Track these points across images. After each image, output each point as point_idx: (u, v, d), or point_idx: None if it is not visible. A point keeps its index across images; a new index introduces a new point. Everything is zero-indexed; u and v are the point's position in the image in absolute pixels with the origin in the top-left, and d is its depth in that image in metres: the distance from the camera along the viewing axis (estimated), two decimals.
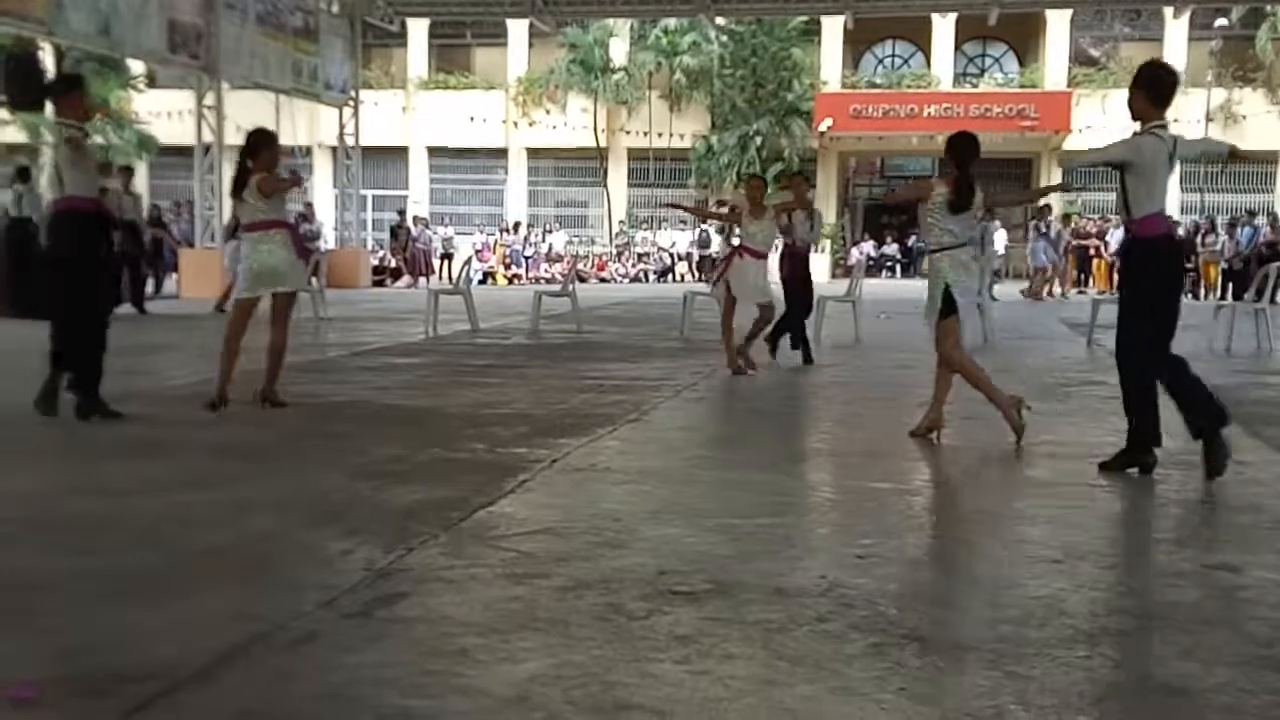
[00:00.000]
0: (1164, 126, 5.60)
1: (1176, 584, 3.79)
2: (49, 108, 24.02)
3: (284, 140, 31.74)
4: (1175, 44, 32.75)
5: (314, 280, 15.18)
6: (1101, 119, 32.13)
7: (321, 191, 34.24)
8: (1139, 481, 5.46)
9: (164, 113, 30.56)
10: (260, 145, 7.43)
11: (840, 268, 32.13)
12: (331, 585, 3.68)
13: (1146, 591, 3.70)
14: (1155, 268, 5.47)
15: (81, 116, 7.05)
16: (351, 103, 26.79)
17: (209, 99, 20.92)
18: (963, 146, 6.38)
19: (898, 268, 34.12)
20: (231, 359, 7.31)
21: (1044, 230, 24.39)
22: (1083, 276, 27.44)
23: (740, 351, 9.84)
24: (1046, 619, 3.41)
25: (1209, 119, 30.93)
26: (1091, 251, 26.99)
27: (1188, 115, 32.05)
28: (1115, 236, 25.30)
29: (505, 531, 4.41)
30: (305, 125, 32.26)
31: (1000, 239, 31.22)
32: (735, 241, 10.34)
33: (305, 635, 3.25)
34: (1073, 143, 32.50)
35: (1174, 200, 30.53)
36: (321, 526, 4.43)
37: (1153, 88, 5.66)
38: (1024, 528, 4.60)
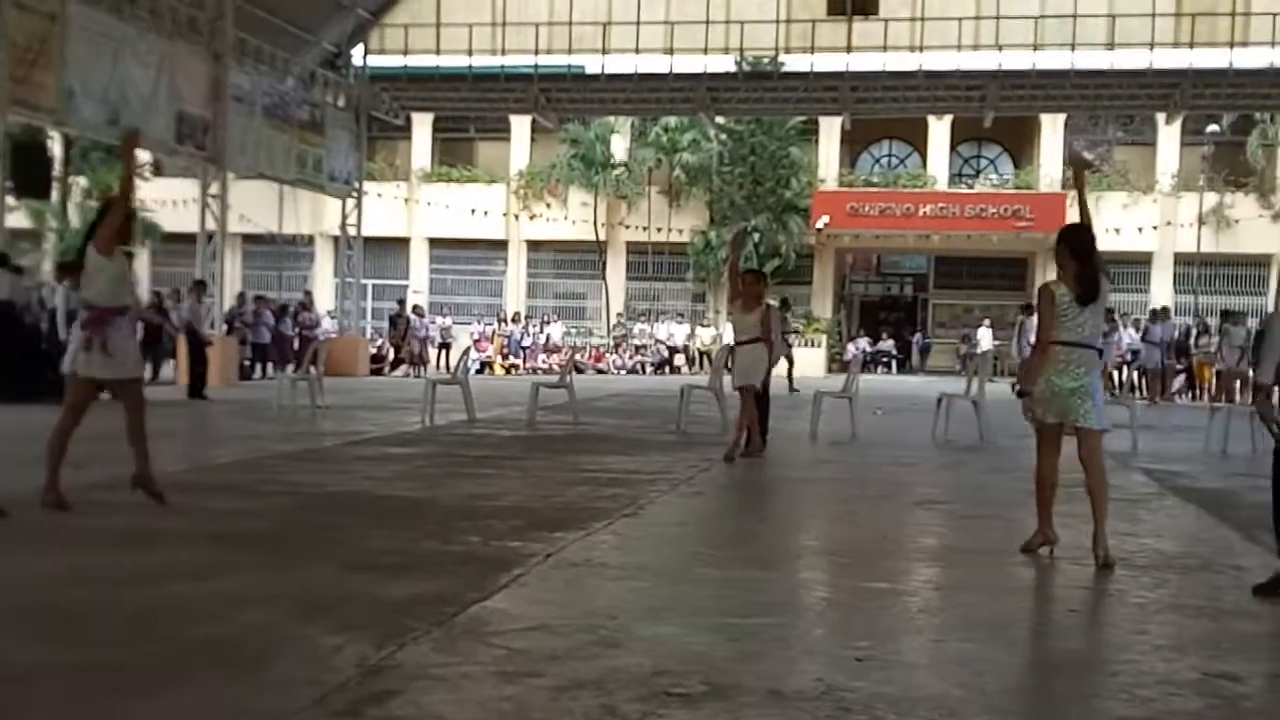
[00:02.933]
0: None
1: (1179, 693, 3.74)
2: (55, 194, 24.18)
3: (287, 228, 32.22)
4: (1168, 149, 33.32)
5: (312, 368, 15.21)
6: (1095, 220, 32.39)
7: (323, 280, 34.47)
8: (1137, 586, 5.41)
9: (169, 201, 30.89)
10: (101, 214, 6.85)
11: (836, 363, 32.25)
12: (322, 681, 3.62)
13: (1149, 700, 3.65)
14: None
15: None
16: (355, 194, 27.12)
17: (214, 188, 21.16)
18: (1084, 238, 6.09)
19: (893, 363, 34.23)
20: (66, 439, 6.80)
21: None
22: None
23: (737, 445, 10.47)
24: None
25: (1201, 222, 31.29)
26: None
27: (1180, 218, 32.53)
28: (1124, 337, 25.24)
29: (499, 628, 4.36)
30: (309, 214, 32.70)
31: (986, 337, 31.52)
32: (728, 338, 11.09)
33: None
34: None
35: (1167, 301, 30.85)
36: (314, 620, 4.38)
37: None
38: (1023, 632, 4.55)
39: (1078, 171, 9.49)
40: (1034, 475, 6.09)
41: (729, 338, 13.89)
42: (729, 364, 11.07)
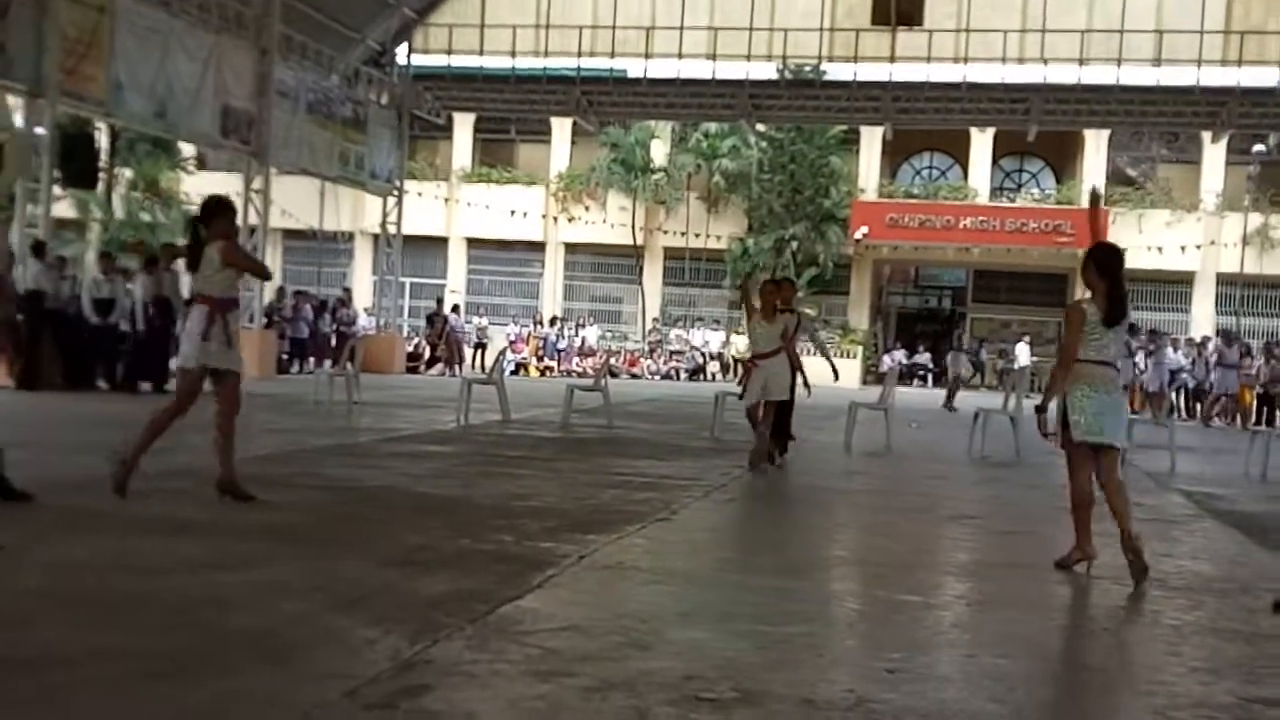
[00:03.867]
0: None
1: (1215, 716, 3.70)
2: (101, 185, 24.40)
3: (328, 224, 32.46)
4: (1213, 167, 32.98)
5: (349, 365, 15.31)
6: (1137, 238, 32.26)
7: (361, 277, 34.70)
8: (1173, 607, 5.37)
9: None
10: (215, 214, 7.06)
11: (872, 375, 32.13)
12: (356, 675, 3.65)
13: None
14: None
15: None
16: (395, 192, 27.28)
17: (257, 183, 21.34)
18: (1113, 258, 6.11)
19: (929, 376, 34.04)
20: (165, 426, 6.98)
21: None
22: None
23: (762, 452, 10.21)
24: None
25: (1245, 242, 30.97)
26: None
27: (1225, 238, 32.18)
28: (1176, 359, 24.97)
29: (531, 627, 4.38)
30: (349, 212, 32.94)
31: (1025, 352, 31.29)
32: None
33: None
34: None
35: (1208, 322, 30.53)
36: (349, 613, 4.42)
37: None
38: (1057, 649, 4.53)
39: (1093, 209, 9.42)
40: (1069, 494, 6.07)
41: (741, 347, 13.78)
42: (745, 380, 10.73)
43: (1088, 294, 6.11)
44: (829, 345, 11.69)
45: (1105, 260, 6.05)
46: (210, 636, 4.05)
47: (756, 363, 10.35)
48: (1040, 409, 6.09)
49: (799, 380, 10.70)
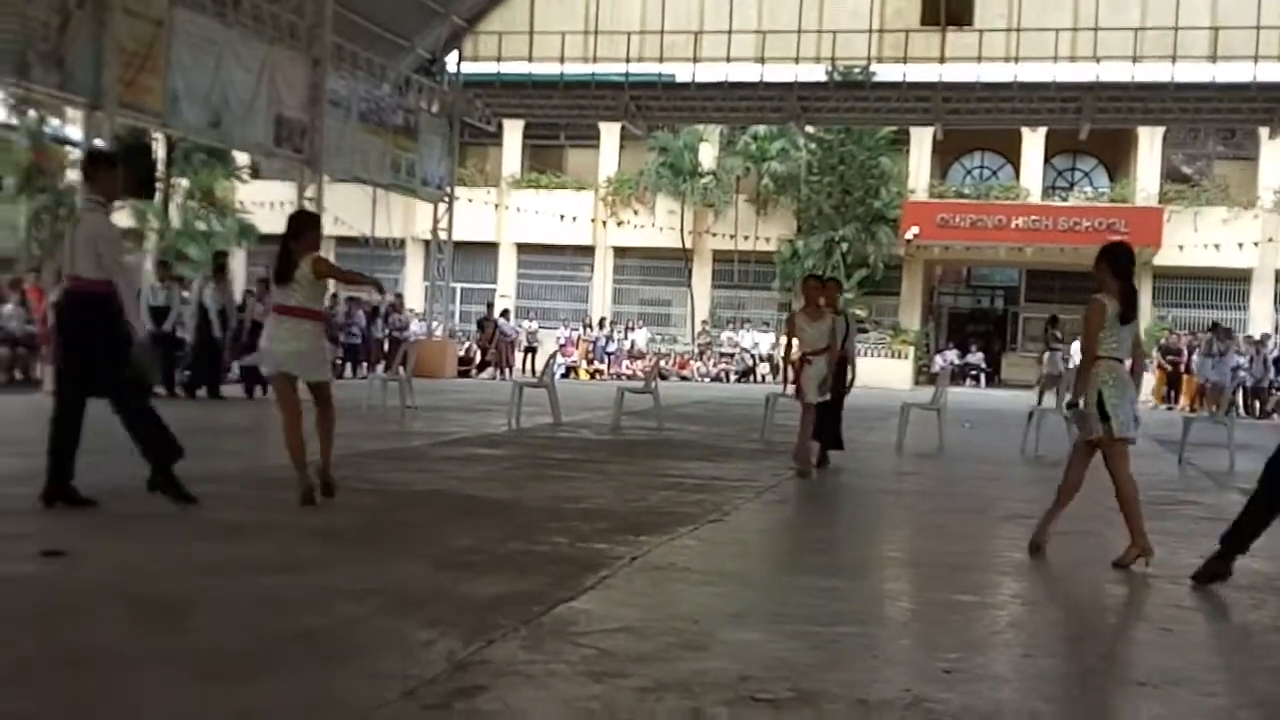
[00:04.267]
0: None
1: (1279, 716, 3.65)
2: (159, 195, 24.63)
3: (379, 231, 32.57)
4: (1271, 163, 32.41)
5: (401, 369, 15.43)
6: (1193, 236, 31.80)
7: (413, 283, 34.98)
8: (1234, 606, 5.30)
9: (266, 203, 31.57)
10: (304, 228, 7.32)
11: (924, 375, 31.90)
12: (413, 675, 3.69)
13: None
14: None
15: (111, 195, 6.98)
16: (446, 199, 27.48)
17: (310, 191, 21.58)
18: (1126, 257, 6.28)
19: (982, 377, 33.73)
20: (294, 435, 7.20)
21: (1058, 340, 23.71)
22: (1171, 393, 26.88)
23: (802, 455, 9.89)
24: None
25: None
26: (1182, 368, 26.34)
27: None
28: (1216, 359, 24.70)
29: (585, 628, 4.40)
30: (400, 218, 33.19)
31: (1077, 353, 30.85)
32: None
33: None
34: (1163, 258, 32.16)
35: (1267, 321, 30.00)
36: (405, 615, 4.46)
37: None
38: (1115, 648, 4.48)
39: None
40: (1064, 487, 6.29)
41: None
42: (796, 378, 10.08)
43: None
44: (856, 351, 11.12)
45: (1119, 260, 6.23)
46: (267, 638, 4.11)
47: (809, 359, 9.96)
48: (1073, 405, 6.23)
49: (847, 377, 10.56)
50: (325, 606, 4.54)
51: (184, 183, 31.31)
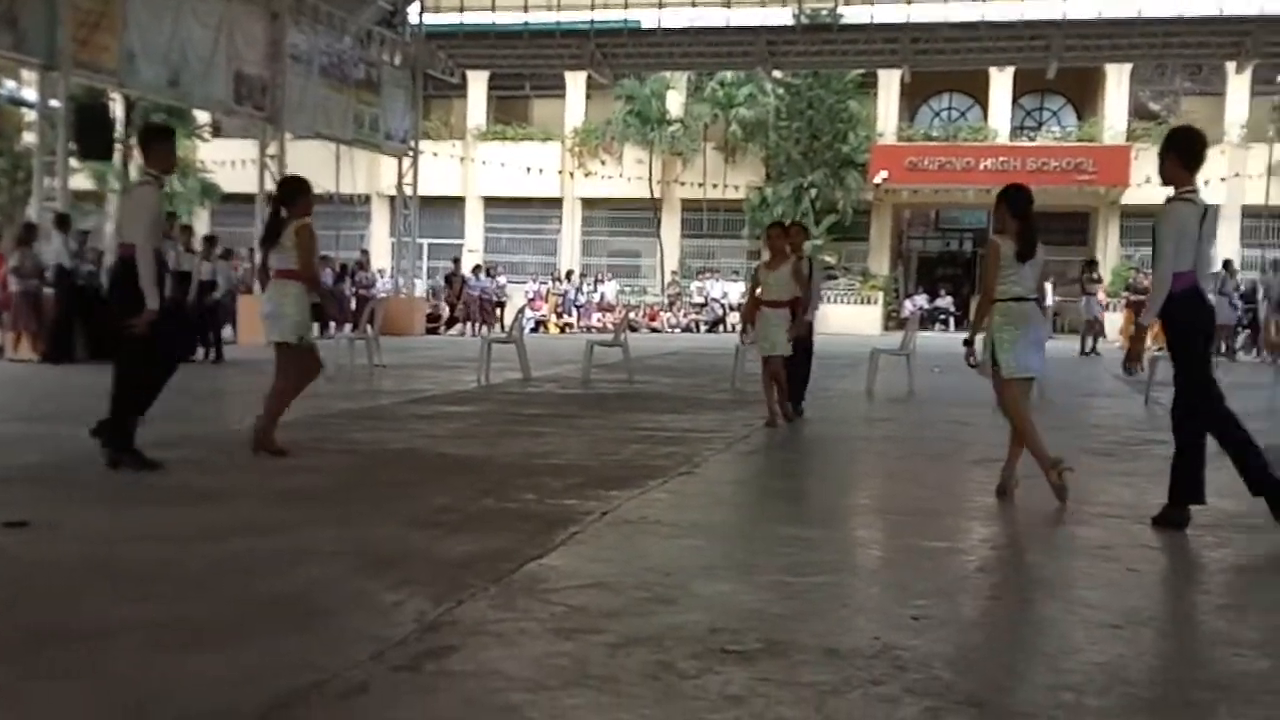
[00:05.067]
0: (1194, 191, 5.78)
1: (1243, 653, 3.69)
2: (118, 156, 24.36)
3: (344, 188, 32.28)
4: (1237, 99, 32.51)
5: (369, 328, 15.34)
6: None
7: (379, 239, 34.71)
8: (1198, 545, 5.35)
9: (227, 161, 31.19)
10: (296, 193, 7.49)
11: (894, 320, 32.00)
12: (383, 636, 3.68)
13: (1212, 660, 3.61)
14: (1178, 319, 5.65)
15: (167, 169, 7.15)
16: (411, 153, 27.21)
17: (272, 148, 21.34)
18: (1023, 198, 6.50)
19: (951, 321, 33.86)
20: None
21: (1094, 283, 23.94)
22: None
23: (774, 406, 9.78)
24: (1108, 686, 3.34)
25: (1270, 173, 30.56)
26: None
27: (1249, 169, 31.78)
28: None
29: (555, 585, 4.39)
30: (364, 174, 32.86)
31: (1049, 294, 31.01)
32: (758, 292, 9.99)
33: (357, 687, 3.26)
34: (1131, 196, 32.28)
35: (1234, 256, 30.13)
36: (374, 576, 4.44)
37: (1186, 152, 5.86)
38: (1082, 591, 4.51)
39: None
40: (1016, 426, 6.43)
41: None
42: (748, 329, 10.00)
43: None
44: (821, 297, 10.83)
45: (1015, 201, 6.47)
46: (238, 603, 4.09)
47: (764, 309, 9.76)
48: (967, 343, 6.52)
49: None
50: (293, 570, 4.52)
51: None
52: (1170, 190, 5.83)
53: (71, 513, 5.66)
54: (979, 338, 6.48)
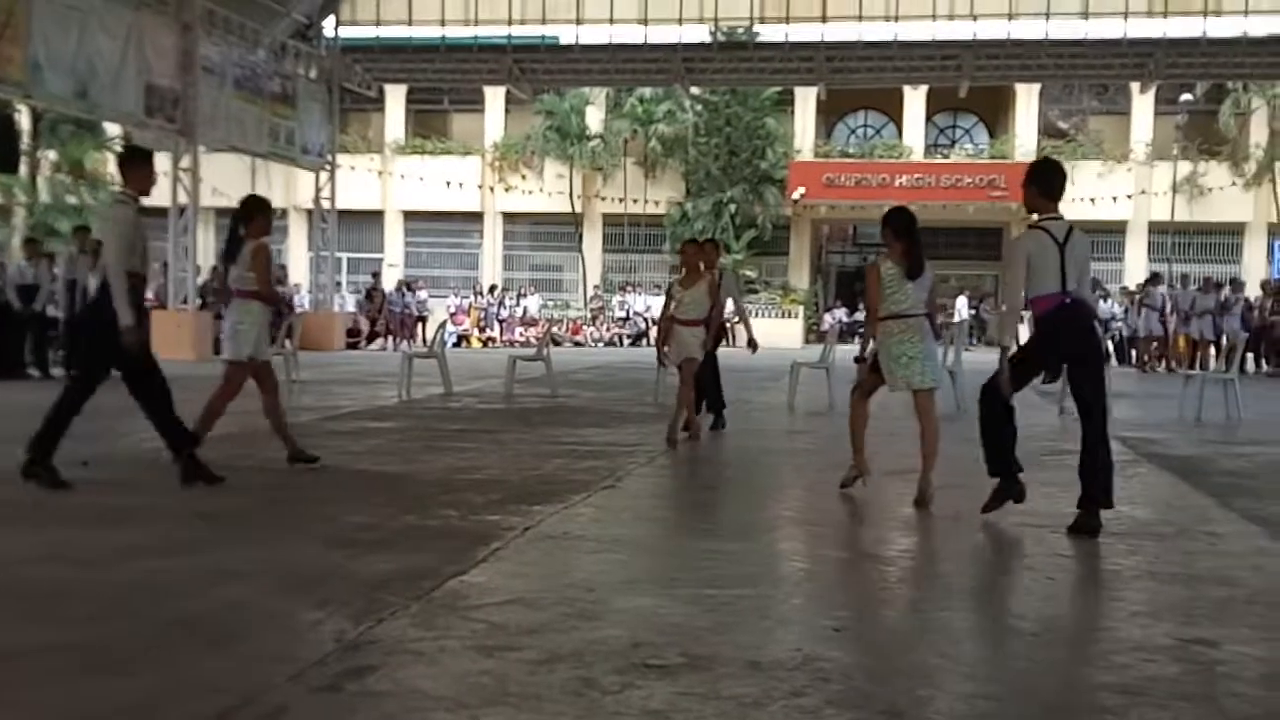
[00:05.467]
0: (1056, 217, 6.10)
1: (1154, 659, 3.77)
2: (24, 168, 23.86)
3: None
4: (1142, 117, 33.41)
5: (287, 343, 15.11)
6: (1070, 189, 32.54)
7: (297, 254, 34.26)
8: (1111, 552, 5.46)
9: None
10: (254, 212, 7.57)
11: (814, 333, 32.33)
12: (301, 658, 3.62)
13: (1125, 667, 3.68)
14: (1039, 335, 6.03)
15: (144, 190, 7.08)
16: (328, 167, 26.91)
17: (185, 161, 20.96)
18: (905, 220, 6.80)
19: None
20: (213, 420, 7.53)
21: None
22: None
23: (676, 427, 9.42)
24: (1025, 693, 3.39)
25: (1175, 191, 31.43)
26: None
27: (1155, 187, 32.65)
28: (1101, 307, 25.51)
29: (477, 602, 4.35)
30: (281, 188, 32.45)
31: (963, 307, 31.65)
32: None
33: (274, 710, 3.19)
34: None
35: (1141, 272, 30.92)
36: (292, 596, 4.37)
37: (1044, 182, 6.24)
38: (1000, 600, 4.58)
39: None
40: (849, 421, 7.07)
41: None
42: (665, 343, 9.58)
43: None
44: (749, 310, 10.73)
45: (898, 223, 6.76)
46: (150, 625, 3.99)
47: (679, 326, 9.51)
48: (858, 359, 7.10)
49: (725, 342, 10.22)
50: (209, 591, 4.43)
51: (52, 155, 30.17)
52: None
53: None
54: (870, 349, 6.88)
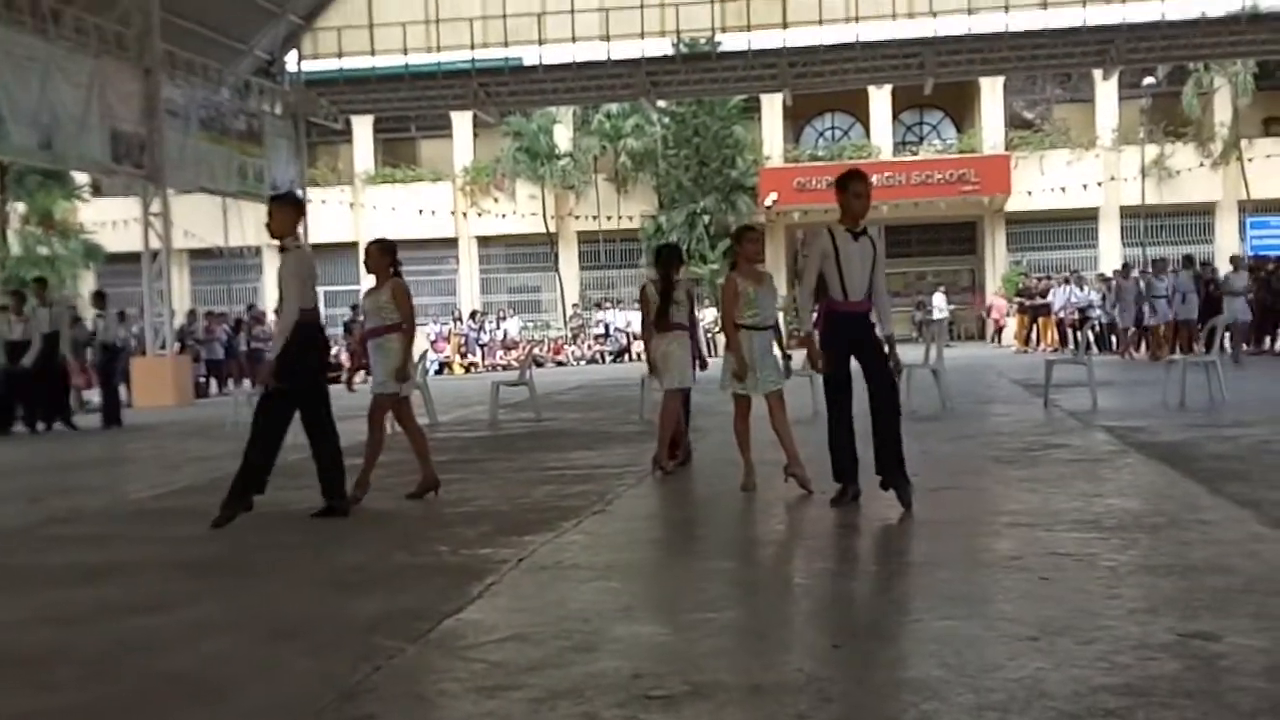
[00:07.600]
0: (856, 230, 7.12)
1: (1155, 657, 3.74)
2: None
3: (233, 241, 31.72)
4: (1106, 103, 33.59)
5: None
6: (1040, 180, 32.81)
7: (273, 291, 34.07)
8: (1106, 548, 5.44)
9: (110, 221, 30.47)
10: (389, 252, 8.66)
11: (794, 339, 32.29)
12: (295, 709, 3.56)
13: (1127, 667, 3.66)
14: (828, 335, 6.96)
15: (275, 233, 7.48)
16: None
17: (155, 206, 20.87)
18: (750, 241, 8.10)
19: None
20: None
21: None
22: (1031, 335, 27.73)
23: (663, 455, 8.82)
24: (1029, 701, 3.36)
25: (1144, 174, 31.60)
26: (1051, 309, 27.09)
27: (1123, 172, 32.82)
28: (1058, 295, 25.73)
29: (474, 640, 4.31)
30: (253, 225, 32.21)
31: (942, 303, 31.72)
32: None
33: None
34: (1014, 204, 33.12)
35: (1115, 258, 31.07)
36: (284, 644, 4.31)
37: (840, 190, 7.22)
38: (998, 604, 4.55)
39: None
40: (735, 434, 8.00)
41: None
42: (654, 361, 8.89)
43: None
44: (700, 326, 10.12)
45: (738, 241, 7.99)
46: (139, 684, 3.94)
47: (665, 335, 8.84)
48: (737, 376, 7.77)
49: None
50: (198, 644, 4.36)
51: (20, 207, 29.97)
52: None
53: None
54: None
